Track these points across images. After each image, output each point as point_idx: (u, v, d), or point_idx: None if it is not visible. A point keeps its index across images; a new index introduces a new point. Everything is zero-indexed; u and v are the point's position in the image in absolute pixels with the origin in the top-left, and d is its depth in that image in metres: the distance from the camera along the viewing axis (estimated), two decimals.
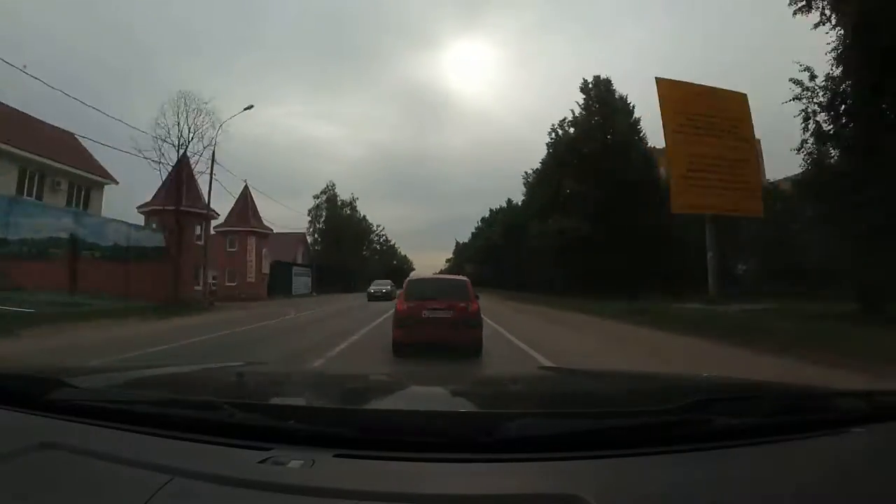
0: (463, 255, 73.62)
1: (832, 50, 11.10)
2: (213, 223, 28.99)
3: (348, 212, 59.40)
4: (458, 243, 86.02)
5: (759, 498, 0.72)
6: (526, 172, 39.40)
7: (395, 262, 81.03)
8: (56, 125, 21.40)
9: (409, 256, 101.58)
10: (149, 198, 24.57)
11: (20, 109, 19.52)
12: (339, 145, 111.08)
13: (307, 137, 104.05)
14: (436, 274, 22.65)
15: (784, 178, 20.56)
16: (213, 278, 30.96)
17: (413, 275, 15.16)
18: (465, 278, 8.45)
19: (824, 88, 11.38)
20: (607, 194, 25.53)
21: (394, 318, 7.35)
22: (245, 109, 24.25)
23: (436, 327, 6.77)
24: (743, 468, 0.79)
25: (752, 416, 0.95)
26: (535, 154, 46.61)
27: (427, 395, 1.45)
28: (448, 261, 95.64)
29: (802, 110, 11.50)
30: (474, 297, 7.35)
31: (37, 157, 19.13)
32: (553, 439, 0.84)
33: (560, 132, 31.04)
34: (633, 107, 29.72)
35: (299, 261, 47.29)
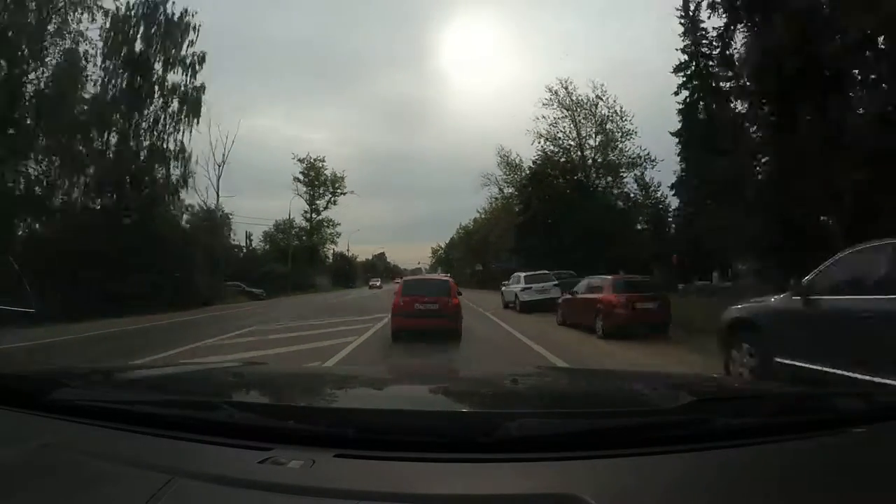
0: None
1: None
2: None
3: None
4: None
5: (760, 498, 0.72)
6: None
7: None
8: None
9: (389, 251, 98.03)
10: None
11: None
12: (325, 148, 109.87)
13: (292, 140, 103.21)
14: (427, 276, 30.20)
15: None
16: None
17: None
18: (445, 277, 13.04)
19: None
20: None
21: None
22: None
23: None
24: (743, 468, 0.79)
25: (751, 416, 0.96)
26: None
27: (427, 394, 1.45)
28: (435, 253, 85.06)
29: None
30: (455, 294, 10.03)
31: None
32: (553, 439, 0.84)
33: None
34: None
35: None
